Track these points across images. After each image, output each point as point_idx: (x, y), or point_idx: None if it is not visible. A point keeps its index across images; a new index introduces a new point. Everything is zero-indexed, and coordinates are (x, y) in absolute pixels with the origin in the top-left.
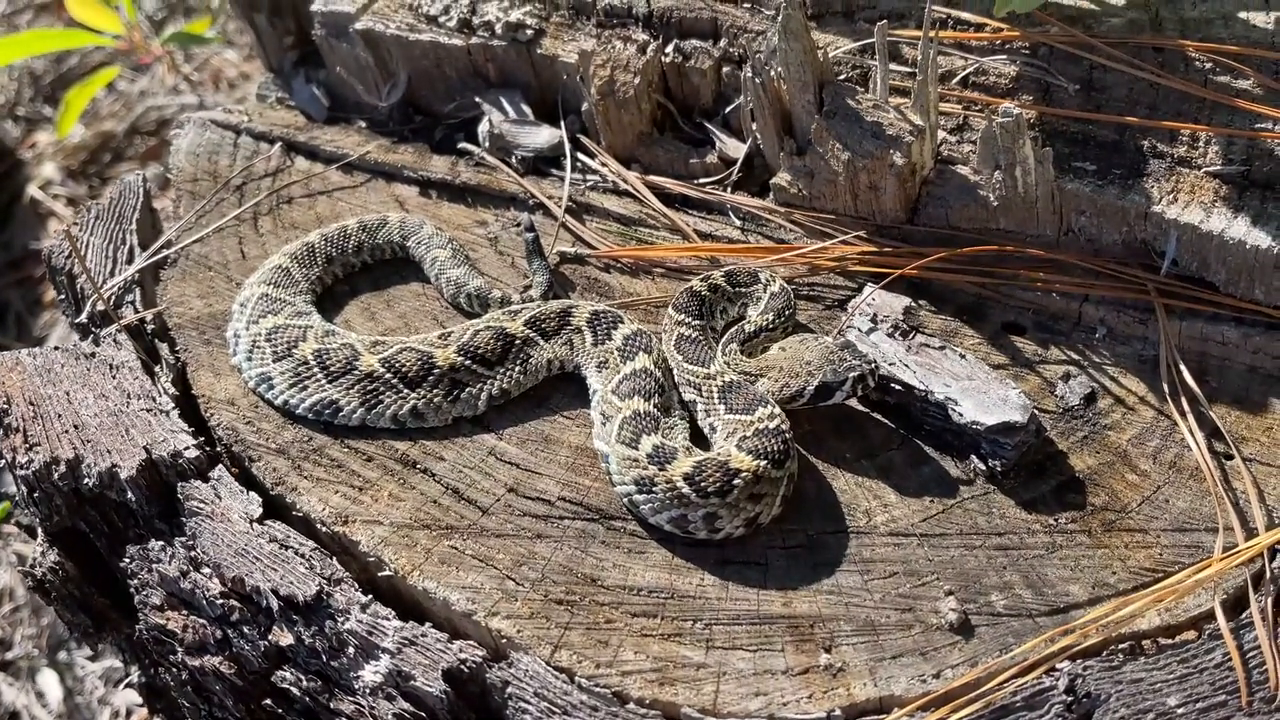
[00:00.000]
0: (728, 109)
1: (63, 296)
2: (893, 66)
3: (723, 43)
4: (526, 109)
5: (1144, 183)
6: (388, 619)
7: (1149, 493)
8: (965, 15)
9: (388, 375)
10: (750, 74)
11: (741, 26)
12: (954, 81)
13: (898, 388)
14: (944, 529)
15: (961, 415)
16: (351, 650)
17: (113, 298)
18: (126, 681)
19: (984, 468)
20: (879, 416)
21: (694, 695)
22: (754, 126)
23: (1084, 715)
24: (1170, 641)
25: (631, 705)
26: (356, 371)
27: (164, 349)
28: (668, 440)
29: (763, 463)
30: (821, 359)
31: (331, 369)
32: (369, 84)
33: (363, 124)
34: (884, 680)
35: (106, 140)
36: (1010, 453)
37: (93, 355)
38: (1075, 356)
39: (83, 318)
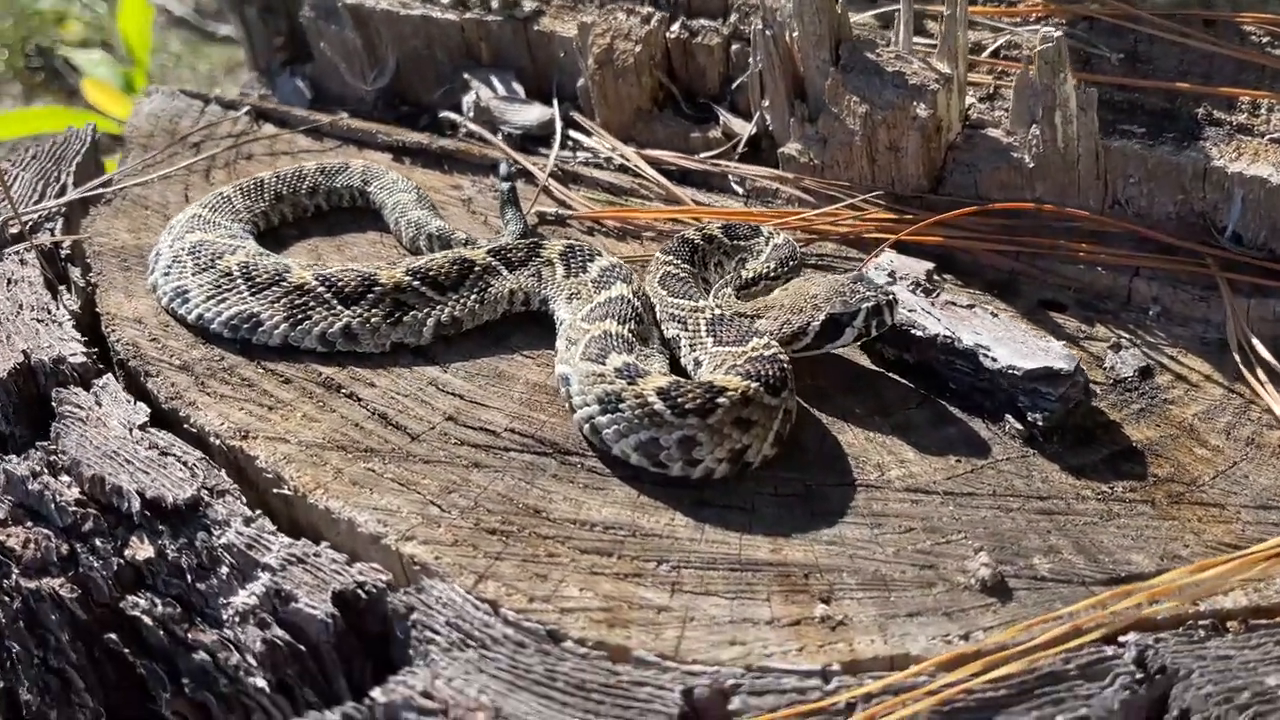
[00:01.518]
0: (734, 86)
1: None
2: (916, 39)
3: (733, 18)
4: (518, 87)
5: (1201, 144)
6: (273, 534)
7: (1224, 468)
8: None
9: (321, 289)
10: (761, 27)
11: (753, 4)
12: (985, 54)
13: (919, 335)
14: (973, 488)
15: (995, 361)
16: (225, 570)
17: (30, 223)
18: None
19: (1021, 426)
20: (896, 377)
21: (651, 639)
22: (763, 102)
23: (1157, 690)
24: (1263, 621)
25: (569, 644)
26: (285, 284)
27: (76, 273)
28: (642, 364)
29: (754, 384)
30: (830, 291)
31: (257, 280)
32: (355, 68)
33: (345, 113)
34: (897, 638)
35: None
36: (1054, 405)
37: None
38: (1126, 336)
39: None
